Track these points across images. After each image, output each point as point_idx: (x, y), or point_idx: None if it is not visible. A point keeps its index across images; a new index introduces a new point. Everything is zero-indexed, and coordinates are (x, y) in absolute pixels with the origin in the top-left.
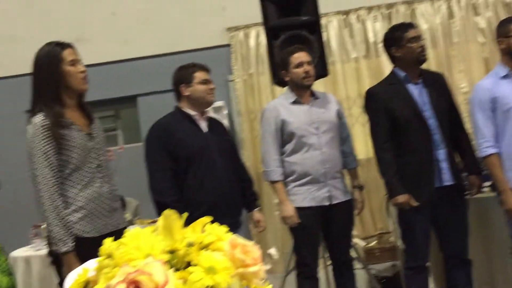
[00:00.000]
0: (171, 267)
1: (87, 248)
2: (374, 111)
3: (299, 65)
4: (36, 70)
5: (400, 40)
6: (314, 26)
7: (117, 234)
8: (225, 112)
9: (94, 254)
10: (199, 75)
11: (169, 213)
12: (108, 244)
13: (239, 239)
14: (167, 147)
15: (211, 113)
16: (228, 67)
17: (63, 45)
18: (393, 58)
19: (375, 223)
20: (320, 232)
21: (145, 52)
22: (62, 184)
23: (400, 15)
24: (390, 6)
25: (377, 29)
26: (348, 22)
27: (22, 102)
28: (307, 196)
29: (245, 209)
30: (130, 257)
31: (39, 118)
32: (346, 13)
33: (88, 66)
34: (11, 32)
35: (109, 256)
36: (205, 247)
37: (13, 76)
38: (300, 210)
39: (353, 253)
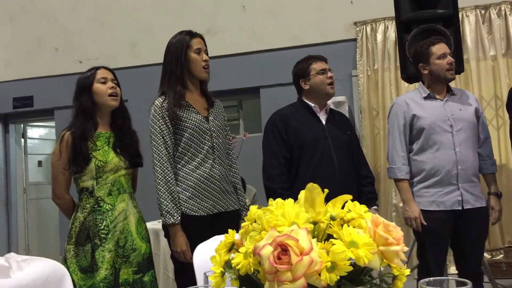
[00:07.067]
0: (312, 238)
1: (193, 226)
2: None
3: (443, 56)
4: (167, 54)
5: None
6: (451, 20)
7: (227, 216)
8: (346, 107)
9: (199, 231)
10: (315, 67)
11: (312, 186)
12: (254, 210)
13: (381, 218)
14: (282, 135)
15: (331, 107)
16: (353, 62)
17: (193, 34)
18: None
19: (503, 235)
20: (449, 239)
21: (271, 45)
22: (175, 162)
23: None
24: None
25: None
26: (487, 17)
27: (157, 89)
28: (436, 200)
29: None
30: (277, 223)
31: (159, 100)
32: (485, 7)
33: (216, 57)
34: (147, 23)
35: (255, 221)
36: (346, 222)
37: (149, 64)
38: (428, 212)
39: None
